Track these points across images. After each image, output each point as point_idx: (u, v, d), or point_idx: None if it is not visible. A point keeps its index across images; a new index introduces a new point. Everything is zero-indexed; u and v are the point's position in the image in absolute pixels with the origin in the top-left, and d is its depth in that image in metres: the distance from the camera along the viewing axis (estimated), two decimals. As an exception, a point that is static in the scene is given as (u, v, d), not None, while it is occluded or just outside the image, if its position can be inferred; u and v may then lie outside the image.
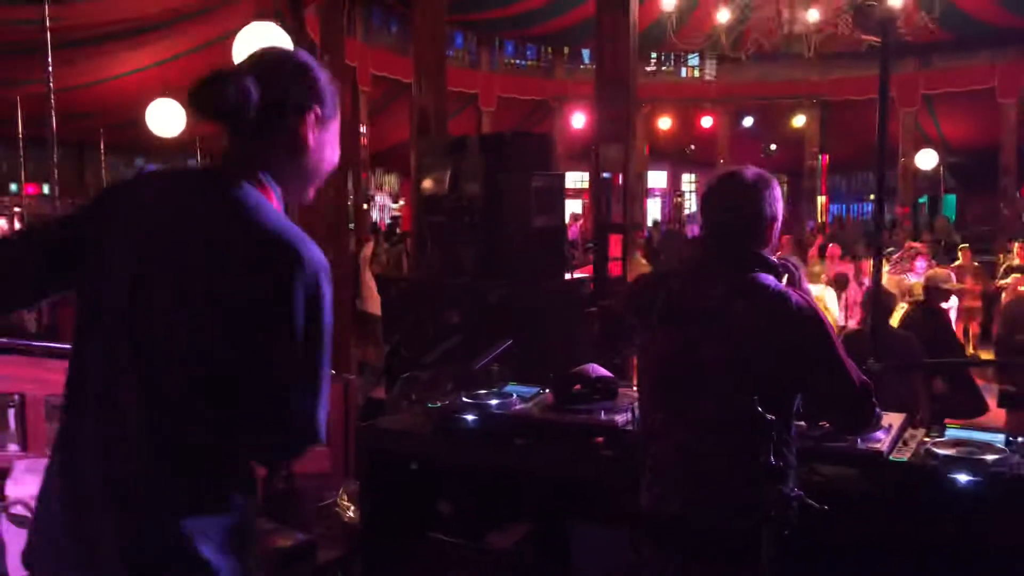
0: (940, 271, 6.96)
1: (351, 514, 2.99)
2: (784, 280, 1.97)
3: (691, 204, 24.66)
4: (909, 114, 16.81)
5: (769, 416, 1.64)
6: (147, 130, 9.49)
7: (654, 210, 23.08)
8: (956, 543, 2.01)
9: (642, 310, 2.04)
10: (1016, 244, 10.70)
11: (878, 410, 1.98)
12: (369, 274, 10.04)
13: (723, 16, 10.28)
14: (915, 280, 7.31)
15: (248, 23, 6.85)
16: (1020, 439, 2.17)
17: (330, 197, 9.42)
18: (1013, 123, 15.83)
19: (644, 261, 11.82)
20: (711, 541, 1.84)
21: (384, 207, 23.40)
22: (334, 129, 1.53)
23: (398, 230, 17.33)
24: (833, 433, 2.15)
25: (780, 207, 2.01)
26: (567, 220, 18.87)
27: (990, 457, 2.02)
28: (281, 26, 7.49)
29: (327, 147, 1.51)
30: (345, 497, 3.04)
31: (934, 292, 6.32)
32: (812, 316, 1.89)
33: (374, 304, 9.48)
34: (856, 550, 2.10)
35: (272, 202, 1.44)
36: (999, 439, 2.17)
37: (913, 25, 9.72)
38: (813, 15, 10.31)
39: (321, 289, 1.36)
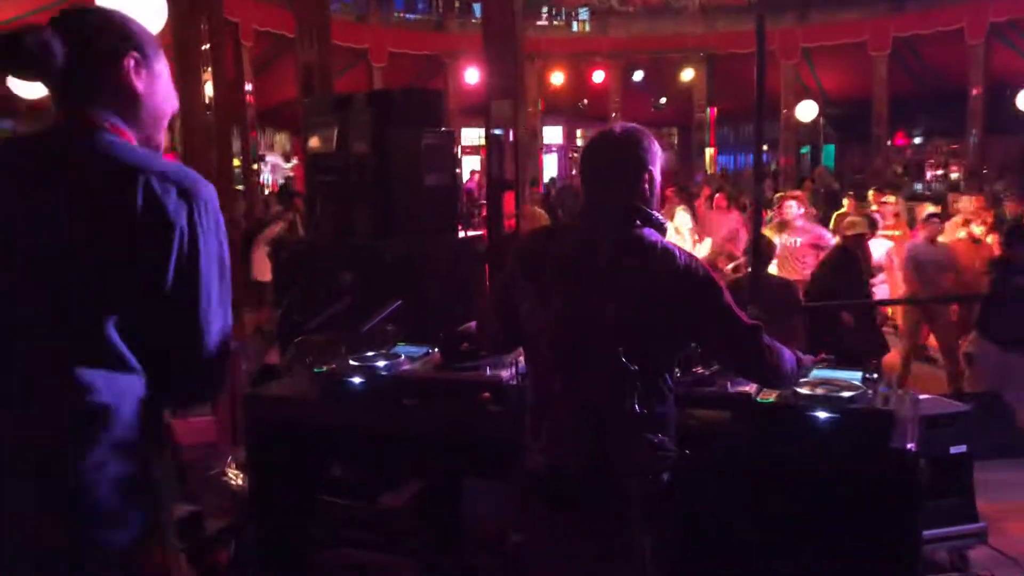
0: (858, 218, 7.24)
1: (239, 482, 2.95)
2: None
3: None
4: (789, 66, 17.39)
5: (633, 367, 1.69)
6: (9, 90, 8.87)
7: (551, 165, 23.21)
8: (816, 472, 2.15)
9: (532, 272, 2.04)
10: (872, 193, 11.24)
11: (783, 354, 2.03)
12: (262, 241, 9.79)
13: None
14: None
15: (114, -25, 6.47)
16: (875, 375, 2.32)
17: (215, 157, 9.11)
18: (884, 75, 16.60)
19: (542, 211, 11.94)
20: (606, 497, 1.90)
21: (276, 167, 22.70)
22: (161, 72, 1.54)
23: (291, 190, 16.87)
24: (704, 377, 2.25)
25: (655, 159, 2.03)
26: (466, 177, 18.88)
27: (847, 394, 2.16)
28: (151, -22, 7.11)
29: (159, 90, 1.53)
30: (233, 466, 3.00)
31: (855, 238, 6.55)
32: (699, 270, 1.94)
33: (265, 270, 9.28)
34: (730, 486, 2.22)
35: (127, 138, 1.46)
36: (856, 376, 2.32)
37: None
38: (697, -31, 10.45)
39: (203, 216, 1.40)
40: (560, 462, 1.95)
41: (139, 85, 1.48)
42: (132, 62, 1.47)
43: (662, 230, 1.98)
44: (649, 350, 1.89)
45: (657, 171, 2.01)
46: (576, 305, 1.93)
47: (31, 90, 8.84)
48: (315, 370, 2.73)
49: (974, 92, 15.51)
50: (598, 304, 1.90)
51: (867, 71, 16.84)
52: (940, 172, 19.90)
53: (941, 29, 15.54)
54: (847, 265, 6.30)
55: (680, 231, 8.77)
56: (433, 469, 2.77)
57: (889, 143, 17.87)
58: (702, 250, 8.56)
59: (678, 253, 1.94)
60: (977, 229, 7.61)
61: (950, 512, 3.19)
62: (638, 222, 1.95)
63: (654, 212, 1.98)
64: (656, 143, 2.06)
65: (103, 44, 1.46)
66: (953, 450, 3.17)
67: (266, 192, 18.10)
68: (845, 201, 11.37)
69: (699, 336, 2.01)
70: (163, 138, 1.57)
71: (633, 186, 1.98)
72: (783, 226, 8.09)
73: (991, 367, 5.57)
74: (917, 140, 20.98)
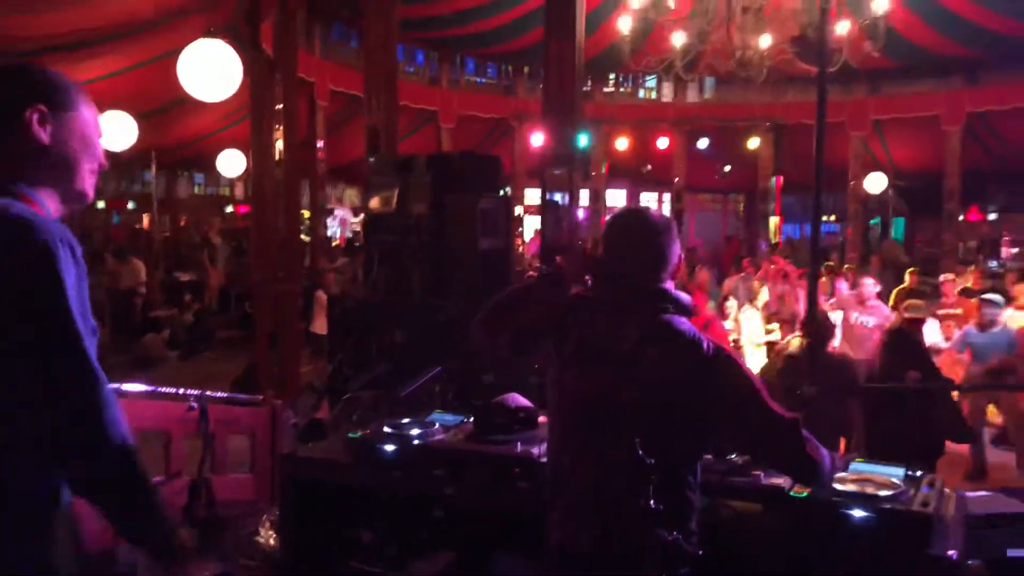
0: (919, 301, 7.02)
1: (272, 543, 2.97)
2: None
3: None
4: (859, 138, 17.18)
5: (649, 461, 1.67)
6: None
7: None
8: (850, 573, 2.07)
9: (557, 341, 2.04)
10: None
11: (822, 450, 1.93)
12: (321, 292, 9.99)
13: (678, 40, 10.42)
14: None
15: (201, 36, 6.83)
16: (919, 473, 2.24)
17: (283, 209, 9.41)
18: (956, 149, 16.24)
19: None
20: None
21: (345, 221, 23.28)
22: (79, 120, 1.54)
23: (357, 244, 17.27)
24: (737, 467, 2.20)
25: (679, 250, 2.05)
26: (528, 237, 18.97)
27: (884, 492, 2.08)
28: (235, 40, 7.48)
29: (73, 139, 1.52)
30: (268, 525, 3.02)
31: (912, 321, 6.29)
32: (726, 361, 1.90)
33: (322, 324, 9.46)
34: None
35: (35, 208, 1.45)
36: (898, 473, 2.23)
37: (860, 53, 9.94)
38: (765, 41, 10.52)
39: (50, 266, 1.34)
40: (569, 541, 1.94)
41: (44, 136, 1.48)
42: (36, 115, 1.47)
43: (689, 314, 1.97)
44: (668, 442, 1.85)
45: (678, 250, 2.03)
46: (592, 385, 1.93)
47: (117, 143, 9.33)
48: (349, 435, 2.76)
49: (1051, 169, 15.07)
50: (614, 388, 1.89)
51: (939, 145, 16.51)
52: (1016, 250, 19.23)
53: (1017, 105, 15.18)
54: (902, 348, 6.09)
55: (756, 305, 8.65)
56: (465, 541, 2.75)
57: (961, 218, 17.38)
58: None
59: (705, 344, 1.91)
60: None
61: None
62: (668, 307, 1.93)
63: (682, 295, 1.97)
64: (675, 224, 2.08)
65: (3, 100, 1.47)
66: (1011, 553, 3.01)
67: (334, 244, 18.58)
68: (907, 276, 11.09)
69: (727, 431, 1.96)
70: (88, 186, 1.56)
71: (667, 267, 1.98)
72: (859, 303, 7.83)
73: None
74: (992, 216, 20.38)
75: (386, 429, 2.72)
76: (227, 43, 6.55)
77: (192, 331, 12.02)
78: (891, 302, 9.72)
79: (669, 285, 1.98)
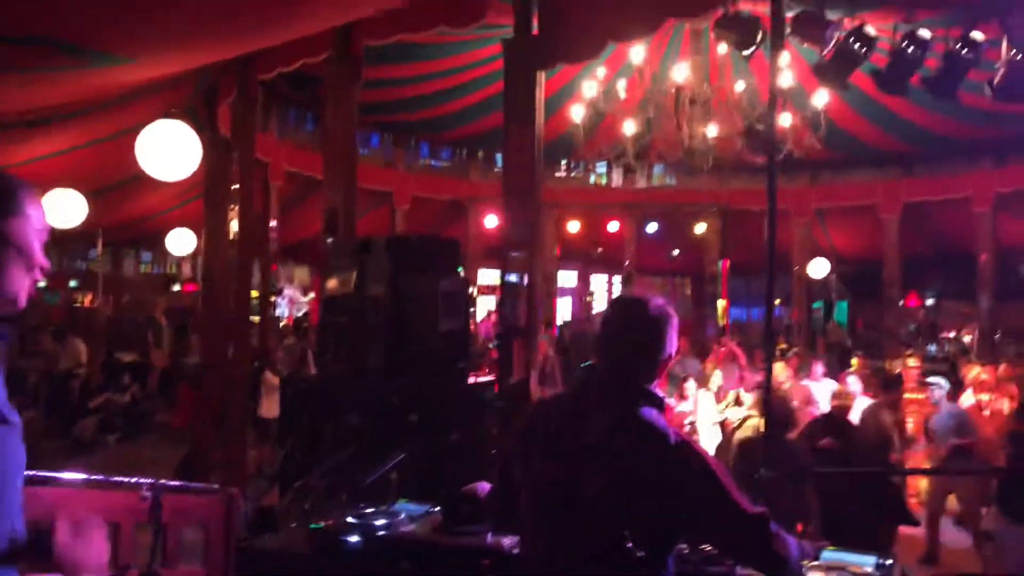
0: (846, 390, 7.16)
1: (227, 641, 2.82)
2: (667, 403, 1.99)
3: (600, 303, 25.18)
4: (802, 225, 17.78)
5: (640, 553, 1.64)
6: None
7: (564, 309, 23.43)
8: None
9: (527, 439, 2.03)
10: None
11: (789, 543, 1.90)
12: (270, 373, 9.80)
13: (629, 128, 10.77)
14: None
15: (159, 117, 6.83)
16: (889, 562, 2.23)
17: (234, 290, 9.27)
18: (895, 237, 16.90)
19: (550, 353, 11.94)
20: None
21: (294, 301, 23.04)
22: (22, 226, 1.53)
23: (306, 324, 17.06)
24: (712, 556, 2.17)
25: (674, 342, 2.01)
26: (482, 317, 18.98)
27: (858, 583, 2.07)
28: (193, 121, 7.49)
29: (11, 246, 1.52)
30: (222, 622, 2.87)
31: (843, 410, 6.43)
32: (693, 458, 1.88)
33: (271, 407, 9.25)
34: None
35: None
36: (869, 562, 2.23)
37: (803, 144, 10.36)
38: (712, 131, 10.92)
39: None
40: None
41: None
42: None
43: (660, 406, 1.96)
44: (637, 533, 1.81)
45: (673, 348, 2.00)
46: (560, 478, 1.90)
47: (65, 220, 9.17)
48: (311, 526, 2.66)
49: (983, 258, 15.72)
50: (583, 478, 1.86)
51: (879, 232, 17.17)
52: (953, 335, 19.87)
53: (949, 196, 15.94)
54: (828, 432, 6.20)
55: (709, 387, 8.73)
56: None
57: (901, 303, 17.95)
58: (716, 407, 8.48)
59: (671, 436, 1.89)
60: (985, 397, 7.52)
61: None
62: (641, 401, 1.93)
63: (658, 390, 1.97)
64: (673, 317, 2.02)
65: None
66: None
67: (282, 324, 18.33)
68: (854, 360, 11.34)
69: (694, 526, 1.92)
70: (21, 290, 1.55)
71: (653, 370, 1.97)
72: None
73: (1011, 546, 5.34)
74: (930, 301, 21.09)
75: (349, 519, 2.63)
76: (186, 123, 6.56)
77: (128, 414, 11.62)
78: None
79: (651, 382, 1.97)
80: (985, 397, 7.43)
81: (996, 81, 5.76)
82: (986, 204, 15.52)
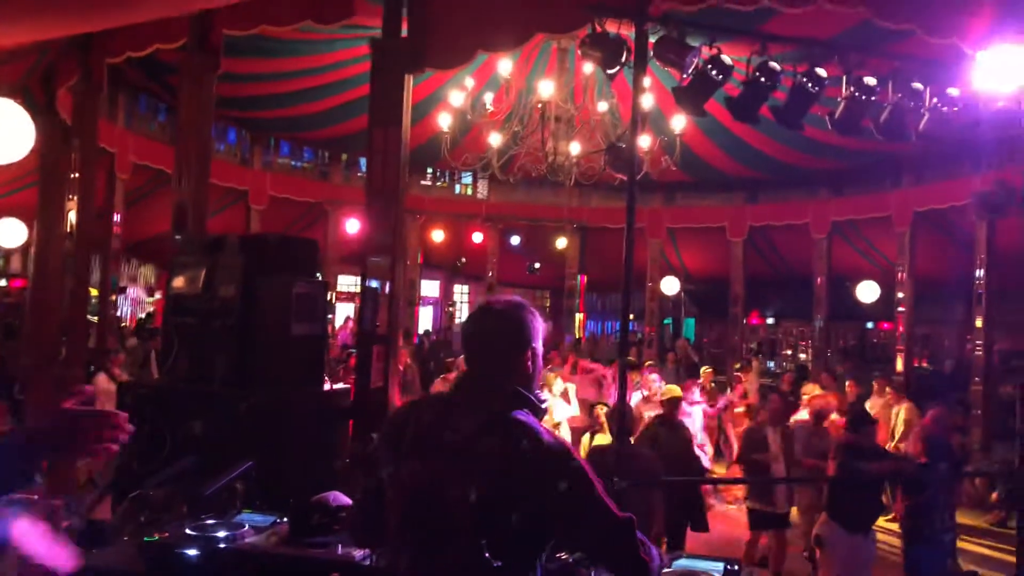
0: (675, 387, 7.54)
1: (41, 669, 2.55)
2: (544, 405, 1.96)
3: (462, 314, 25.24)
4: (655, 244, 18.49)
5: (496, 563, 1.60)
6: None
7: (426, 318, 23.31)
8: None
9: (392, 441, 1.96)
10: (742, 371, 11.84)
11: (652, 551, 1.91)
12: (105, 377, 9.16)
13: (495, 140, 10.85)
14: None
15: (-16, 96, 6.25)
16: (736, 567, 2.30)
17: (70, 287, 8.61)
18: (740, 258, 17.88)
19: (410, 362, 11.83)
20: None
21: (138, 301, 21.74)
22: None
23: (149, 326, 16.09)
24: (568, 566, 2.16)
25: (537, 334, 1.98)
26: (340, 324, 18.54)
27: (710, 588, 2.12)
28: (26, 103, 6.91)
29: None
30: (36, 648, 2.60)
31: (672, 405, 6.86)
32: (566, 458, 1.84)
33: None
34: None
35: None
36: (718, 568, 2.29)
37: (658, 166, 10.77)
38: (575, 148, 11.18)
39: None
40: None
41: None
42: None
43: (538, 412, 1.93)
44: (506, 540, 1.77)
45: (540, 345, 1.98)
46: (426, 481, 1.84)
47: None
48: (145, 539, 2.47)
49: (819, 281, 16.86)
50: (447, 483, 1.80)
51: (725, 254, 18.09)
52: (790, 352, 21.20)
53: (790, 222, 17.02)
54: (665, 432, 6.68)
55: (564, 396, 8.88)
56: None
57: (744, 321, 18.99)
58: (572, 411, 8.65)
59: (543, 435, 1.86)
60: (803, 414, 8.07)
61: None
62: (510, 402, 1.89)
63: (533, 392, 1.94)
64: (538, 317, 2.03)
65: None
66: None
67: (123, 325, 17.22)
68: (704, 369, 11.88)
69: (564, 529, 1.88)
70: None
71: (515, 364, 1.94)
72: (647, 401, 8.40)
73: (841, 551, 5.70)
74: (770, 320, 22.44)
75: (188, 531, 2.45)
76: (17, 103, 6.03)
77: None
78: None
79: (521, 381, 1.93)
80: (803, 414, 7.96)
81: (836, 115, 6.18)
82: (823, 231, 16.67)
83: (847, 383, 10.80)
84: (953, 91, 6.09)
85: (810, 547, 6.81)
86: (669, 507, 5.90)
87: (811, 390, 9.04)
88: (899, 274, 15.14)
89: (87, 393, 1.55)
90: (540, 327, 2.01)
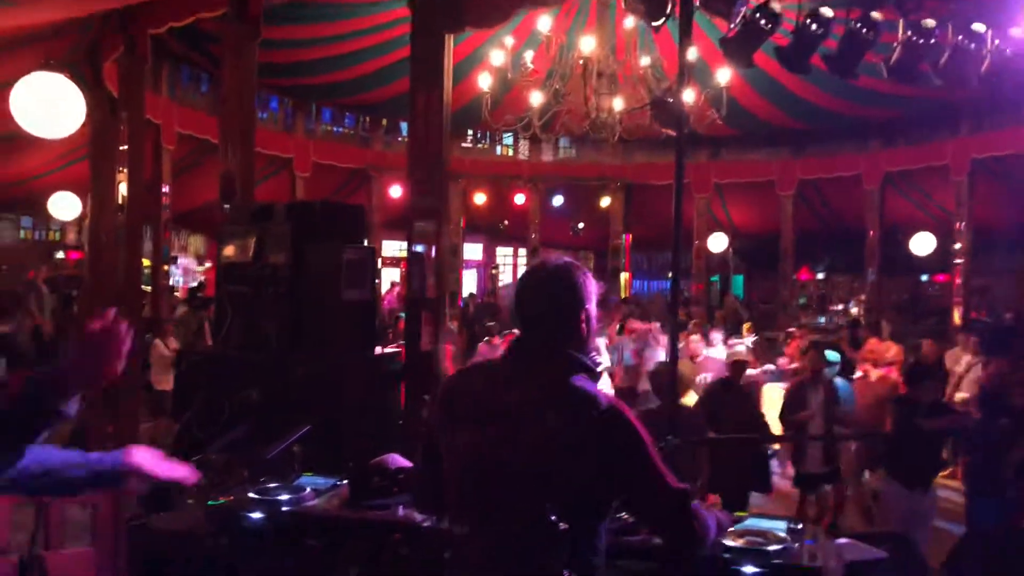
0: (742, 349, 7.41)
1: (116, 628, 2.65)
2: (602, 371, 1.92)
3: (505, 276, 25.25)
4: (702, 200, 18.20)
5: (562, 525, 1.58)
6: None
7: (470, 281, 23.38)
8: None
9: (450, 406, 1.95)
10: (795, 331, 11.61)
11: (708, 522, 1.88)
12: (160, 345, 9.37)
13: (536, 99, 10.72)
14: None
15: (33, 71, 6.34)
16: (800, 526, 2.27)
17: (124, 258, 8.79)
18: (789, 213, 17.52)
19: (455, 326, 11.90)
20: None
21: (189, 270, 22.15)
22: None
23: (201, 294, 16.39)
24: (629, 526, 2.15)
25: (590, 295, 1.94)
26: (385, 289, 18.72)
27: (773, 547, 2.09)
28: (75, 76, 6.99)
29: None
30: (111, 607, 2.70)
31: (738, 367, 6.71)
32: (621, 421, 1.81)
33: (166, 379, 8.86)
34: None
35: None
36: (781, 527, 2.25)
37: (705, 120, 10.55)
38: (618, 104, 10.99)
39: None
40: None
41: None
42: None
43: (595, 376, 1.89)
44: (567, 503, 1.75)
45: (593, 306, 1.94)
46: (484, 447, 1.82)
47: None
48: (210, 503, 2.51)
49: (871, 234, 16.47)
50: (505, 449, 1.79)
51: (774, 208, 17.75)
52: (841, 307, 20.82)
53: (841, 174, 16.60)
54: (724, 393, 6.48)
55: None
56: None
57: (794, 277, 18.68)
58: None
59: (601, 400, 1.82)
60: (872, 367, 7.88)
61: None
62: (567, 367, 1.86)
63: (588, 355, 1.90)
64: (591, 278, 1.99)
65: None
66: (871, 598, 3.12)
67: (175, 295, 17.56)
68: (746, 326, 11.72)
69: (621, 494, 1.86)
70: None
71: (569, 327, 1.90)
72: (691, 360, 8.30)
73: (899, 508, 5.62)
74: (820, 275, 22.04)
75: (251, 495, 2.50)
76: (67, 77, 6.11)
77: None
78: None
79: (576, 344, 1.90)
80: (873, 366, 7.78)
81: (891, 61, 5.95)
82: (875, 182, 16.24)
83: (924, 342, 10.43)
84: (1016, 31, 5.82)
85: (864, 503, 6.73)
86: (732, 469, 5.81)
87: (874, 345, 8.83)
88: (956, 224, 14.71)
89: (110, 316, 1.61)
90: (594, 288, 1.97)
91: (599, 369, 1.91)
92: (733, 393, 6.56)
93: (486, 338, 10.40)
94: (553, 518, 1.63)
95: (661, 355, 8.48)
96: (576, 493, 1.77)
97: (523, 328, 1.96)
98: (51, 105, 5.69)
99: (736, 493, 5.95)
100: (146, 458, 1.60)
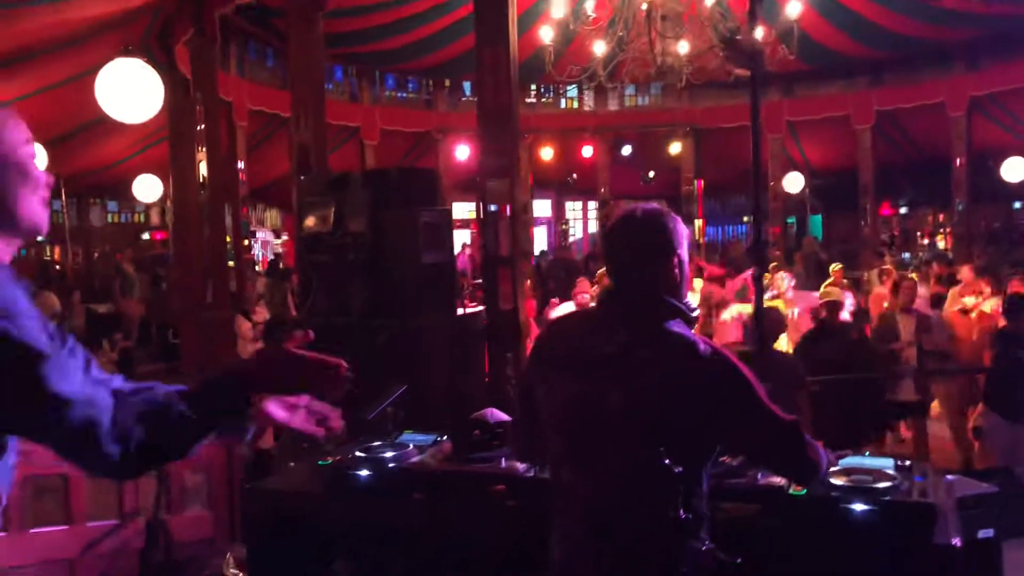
0: (835, 289, 7.24)
1: (240, 583, 2.80)
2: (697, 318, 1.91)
3: (575, 231, 25.12)
4: (776, 140, 17.67)
5: (677, 468, 1.60)
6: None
7: (540, 238, 23.34)
8: (856, 570, 2.03)
9: (546, 355, 1.97)
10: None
11: (819, 450, 1.87)
12: (243, 319, 9.63)
13: (599, 49, 10.53)
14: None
15: (112, 58, 6.54)
16: (908, 462, 2.23)
17: (207, 234, 9.08)
18: (868, 147, 16.89)
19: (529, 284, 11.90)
20: None
21: (267, 243, 22.73)
22: (6, 147, 1.42)
23: (281, 266, 16.82)
24: (732, 469, 2.15)
25: (681, 240, 1.92)
26: (456, 251, 18.86)
27: (882, 485, 2.06)
28: (149, 61, 7.19)
29: (5, 171, 1.41)
30: (232, 563, 2.84)
31: (831, 308, 6.51)
32: (723, 365, 1.80)
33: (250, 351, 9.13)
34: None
35: None
36: (888, 464, 2.22)
37: (775, 57, 10.20)
38: (683, 48, 10.71)
39: None
40: (573, 559, 1.84)
41: None
42: None
43: (689, 321, 1.88)
44: (670, 448, 1.75)
45: (685, 252, 1.92)
46: (583, 394, 1.84)
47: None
48: (319, 463, 2.61)
49: (958, 162, 15.77)
50: (605, 393, 1.80)
51: (851, 143, 17.14)
52: (927, 241, 20.09)
53: (922, 103, 15.89)
54: (824, 336, 6.28)
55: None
56: (447, 566, 2.63)
57: (876, 213, 18.08)
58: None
59: (701, 346, 1.81)
60: (969, 300, 7.57)
61: (980, 600, 3.05)
62: (662, 313, 1.86)
63: (683, 302, 1.89)
64: (681, 222, 1.97)
65: None
66: (981, 534, 3.05)
67: (256, 268, 18.08)
68: (832, 270, 11.40)
69: (728, 435, 1.86)
70: (38, 217, 1.46)
71: (662, 273, 1.89)
72: (776, 299, 8.15)
73: (1002, 441, 5.47)
74: (903, 210, 21.26)
75: (358, 454, 2.58)
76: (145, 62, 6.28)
77: (117, 368, 11.48)
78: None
79: (669, 290, 1.89)
80: (969, 301, 7.49)
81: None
82: (960, 108, 15.49)
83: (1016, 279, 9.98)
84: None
85: (962, 437, 6.55)
86: (840, 413, 5.68)
87: (965, 274, 8.47)
88: (1049, 146, 13.98)
89: (308, 338, 1.61)
90: (684, 233, 1.94)
91: (693, 315, 1.90)
92: (827, 335, 6.38)
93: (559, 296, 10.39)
94: (667, 462, 1.64)
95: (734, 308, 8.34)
96: (683, 437, 1.78)
97: (614, 276, 1.95)
98: (133, 90, 5.87)
99: (849, 436, 5.75)
100: (277, 408, 1.57)
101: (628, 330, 1.83)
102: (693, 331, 1.88)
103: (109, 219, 21.29)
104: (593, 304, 1.99)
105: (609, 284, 1.98)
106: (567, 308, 7.97)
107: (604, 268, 1.99)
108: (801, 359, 6.10)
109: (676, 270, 1.89)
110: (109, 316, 13.55)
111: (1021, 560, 3.89)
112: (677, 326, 1.84)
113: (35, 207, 1.43)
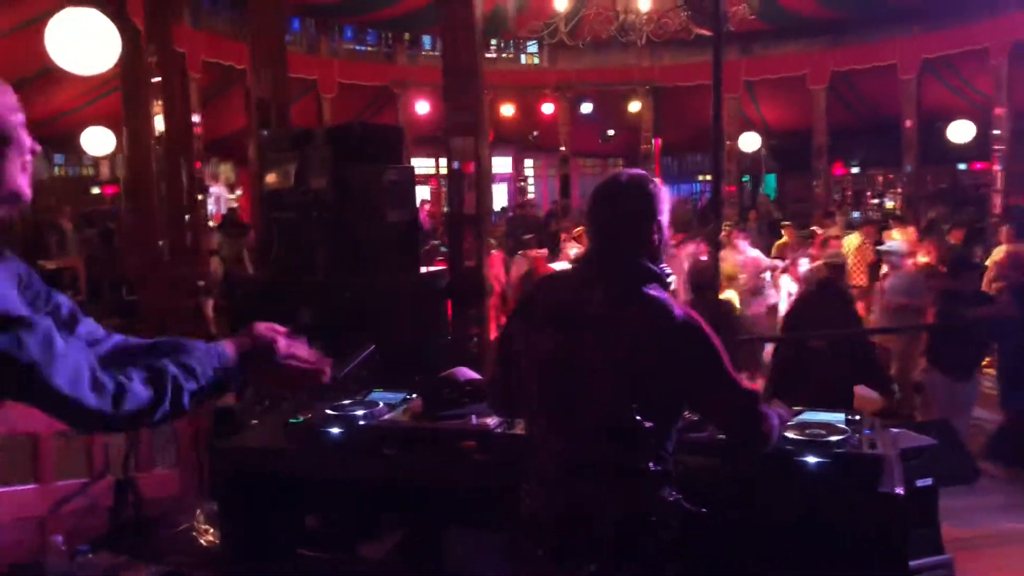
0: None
1: (210, 537, 2.84)
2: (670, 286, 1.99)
3: (534, 189, 25.12)
4: (733, 99, 17.76)
5: (647, 424, 1.68)
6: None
7: (499, 195, 23.31)
8: (807, 518, 2.16)
9: (526, 313, 2.05)
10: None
11: (773, 422, 1.98)
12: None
13: (561, 4, 10.46)
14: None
15: (63, 7, 6.33)
16: (857, 417, 2.36)
17: (164, 189, 8.92)
18: (823, 107, 17.10)
19: (494, 242, 11.94)
20: (593, 546, 1.87)
21: (220, 198, 22.31)
22: None
23: (236, 221, 16.55)
24: (693, 423, 2.25)
25: (662, 206, 1.99)
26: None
27: (834, 438, 2.19)
28: (101, 11, 6.97)
29: None
30: (202, 519, 2.89)
31: (837, 269, 6.54)
32: (694, 331, 1.89)
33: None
34: (719, 534, 2.21)
35: None
36: (839, 419, 2.35)
37: (737, 17, 10.25)
38: (645, 5, 10.70)
39: None
40: (543, 509, 1.93)
41: None
42: None
43: (665, 285, 1.96)
44: (641, 403, 1.85)
45: (665, 218, 1.99)
46: (563, 349, 1.92)
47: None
48: (291, 420, 2.66)
49: (907, 124, 16.06)
50: (584, 351, 1.88)
51: (807, 104, 17.32)
52: (877, 201, 20.51)
53: (876, 64, 16.09)
54: (831, 297, 6.26)
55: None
56: (414, 519, 2.71)
57: (828, 173, 18.38)
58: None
59: (675, 310, 1.89)
60: (922, 259, 7.82)
61: (917, 546, 3.24)
62: (639, 276, 1.93)
63: (660, 266, 1.97)
64: (663, 189, 2.04)
65: None
66: (919, 483, 3.23)
67: (210, 223, 17.76)
68: (783, 231, 11.64)
69: (692, 398, 1.97)
70: (21, 183, 1.47)
71: (643, 237, 1.96)
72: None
73: (941, 396, 5.71)
74: (855, 170, 21.63)
75: (328, 412, 2.63)
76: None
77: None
78: (772, 254, 10.26)
79: (648, 256, 1.96)
80: (922, 259, 7.73)
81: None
82: (912, 71, 15.74)
83: (951, 231, 10.28)
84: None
85: (906, 390, 6.79)
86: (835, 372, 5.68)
87: (908, 234, 8.74)
88: (995, 109, 14.29)
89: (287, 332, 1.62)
90: (666, 199, 2.02)
91: (669, 280, 1.97)
92: (831, 296, 6.26)
93: (520, 252, 10.42)
94: (638, 418, 1.72)
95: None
96: (654, 395, 1.87)
97: (595, 238, 2.02)
98: (87, 41, 5.70)
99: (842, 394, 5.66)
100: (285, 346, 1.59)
101: (607, 291, 1.91)
102: (667, 294, 1.96)
103: (56, 171, 20.66)
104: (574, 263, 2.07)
105: (590, 245, 2.05)
106: (561, 266, 8.06)
107: (582, 228, 2.07)
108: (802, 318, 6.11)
109: (656, 235, 1.97)
110: (57, 271, 13.26)
111: (955, 506, 4.13)
112: (654, 290, 1.92)
113: (17, 174, 1.42)
